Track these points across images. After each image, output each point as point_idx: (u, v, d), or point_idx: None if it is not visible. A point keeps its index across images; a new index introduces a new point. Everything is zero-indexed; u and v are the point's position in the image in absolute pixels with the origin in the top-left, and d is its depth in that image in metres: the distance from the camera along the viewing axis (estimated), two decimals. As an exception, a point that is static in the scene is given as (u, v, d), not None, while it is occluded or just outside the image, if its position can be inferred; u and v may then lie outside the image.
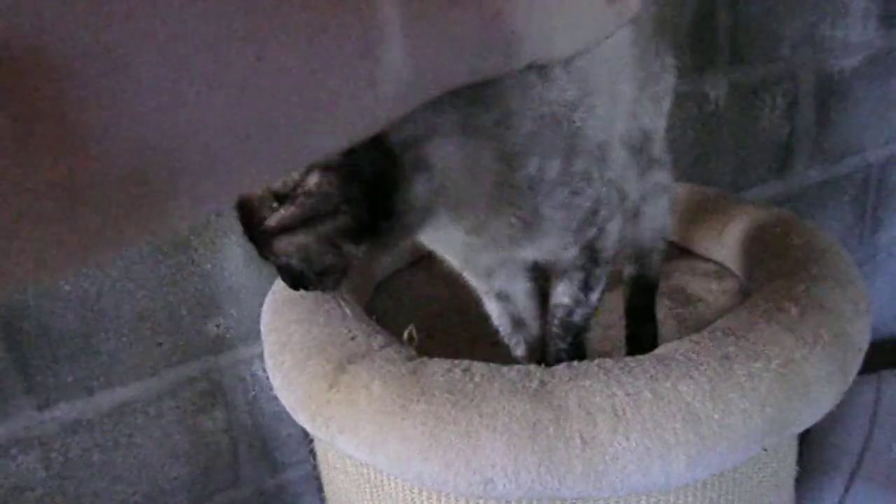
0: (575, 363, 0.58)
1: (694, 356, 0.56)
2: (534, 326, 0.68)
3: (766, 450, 0.55)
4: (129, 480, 1.14)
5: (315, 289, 0.50)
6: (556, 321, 0.63)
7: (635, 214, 0.71)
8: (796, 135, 1.55)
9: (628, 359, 0.57)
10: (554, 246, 0.56)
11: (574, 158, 0.51)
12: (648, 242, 0.74)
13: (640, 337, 0.75)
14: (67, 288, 1.01)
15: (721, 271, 0.87)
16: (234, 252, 1.10)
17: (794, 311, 0.60)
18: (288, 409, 0.67)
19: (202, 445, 1.19)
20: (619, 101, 0.58)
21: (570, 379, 0.55)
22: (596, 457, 0.53)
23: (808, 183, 1.61)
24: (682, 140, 1.40)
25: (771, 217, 0.81)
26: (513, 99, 0.46)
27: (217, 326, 1.13)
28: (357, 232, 0.45)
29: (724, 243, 0.85)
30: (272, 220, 0.45)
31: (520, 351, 0.69)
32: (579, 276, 0.60)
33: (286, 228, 0.45)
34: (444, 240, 0.57)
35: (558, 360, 0.63)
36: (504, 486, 0.54)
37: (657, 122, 0.68)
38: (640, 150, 0.67)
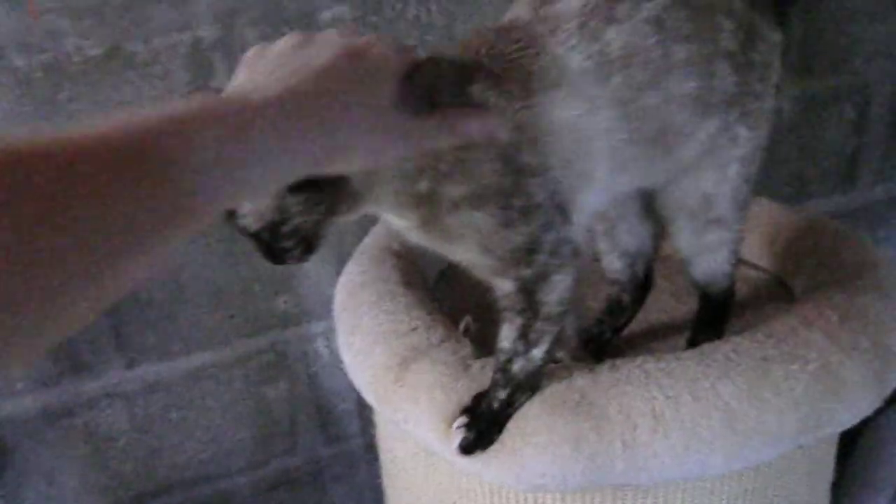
0: (618, 363, 0.62)
1: (734, 356, 0.61)
2: None
3: (802, 448, 0.59)
4: (199, 438, 1.24)
5: (284, 259, 0.55)
6: (498, 366, 0.62)
7: (688, 265, 0.74)
8: (864, 149, 1.53)
9: (670, 357, 0.62)
10: (472, 259, 0.58)
11: (515, 196, 0.55)
12: (705, 286, 0.75)
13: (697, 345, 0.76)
14: (156, 259, 1.10)
15: (770, 280, 0.89)
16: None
17: (834, 318, 0.63)
18: (356, 386, 0.73)
19: (265, 413, 1.28)
20: (589, 178, 0.59)
21: (612, 386, 0.60)
22: (636, 456, 0.58)
23: (873, 199, 1.59)
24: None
25: (823, 228, 0.83)
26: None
27: (285, 303, 1.21)
28: (298, 186, 0.50)
29: (775, 252, 0.88)
30: None
31: None
32: (518, 321, 0.59)
33: None
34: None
35: (485, 414, 0.61)
36: (553, 487, 0.60)
37: (721, 186, 0.68)
38: (695, 214, 0.69)
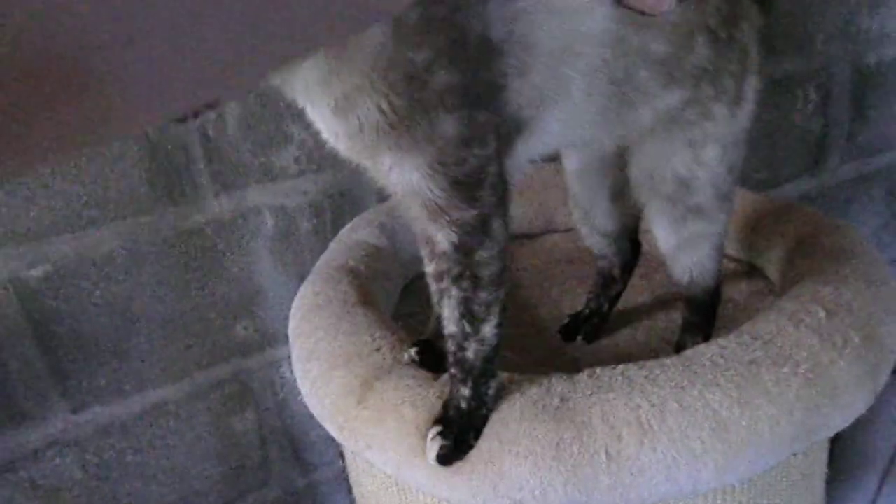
0: (598, 371, 0.57)
1: (721, 361, 0.56)
2: None
3: (796, 455, 0.55)
4: (163, 481, 1.17)
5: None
6: (450, 358, 0.57)
7: (670, 260, 0.69)
8: (830, 129, 1.52)
9: (653, 364, 0.57)
10: (415, 186, 0.50)
11: (476, 109, 0.49)
12: (688, 285, 0.71)
13: (685, 349, 0.72)
14: (98, 293, 1.03)
15: (751, 271, 0.86)
16: (261, 255, 1.12)
17: (821, 314, 0.59)
18: (316, 416, 0.68)
19: (233, 446, 1.21)
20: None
21: (593, 392, 0.55)
22: (622, 471, 0.53)
23: (842, 179, 1.58)
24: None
25: (800, 216, 0.80)
26: None
27: (245, 329, 1.15)
28: None
29: (753, 243, 0.84)
30: None
31: None
32: (458, 293, 0.54)
33: None
34: None
35: (455, 419, 0.56)
36: (533, 502, 0.55)
37: (697, 169, 0.64)
38: (673, 201, 0.65)
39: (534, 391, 0.57)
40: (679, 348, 0.72)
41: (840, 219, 0.78)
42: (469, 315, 0.54)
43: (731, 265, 0.88)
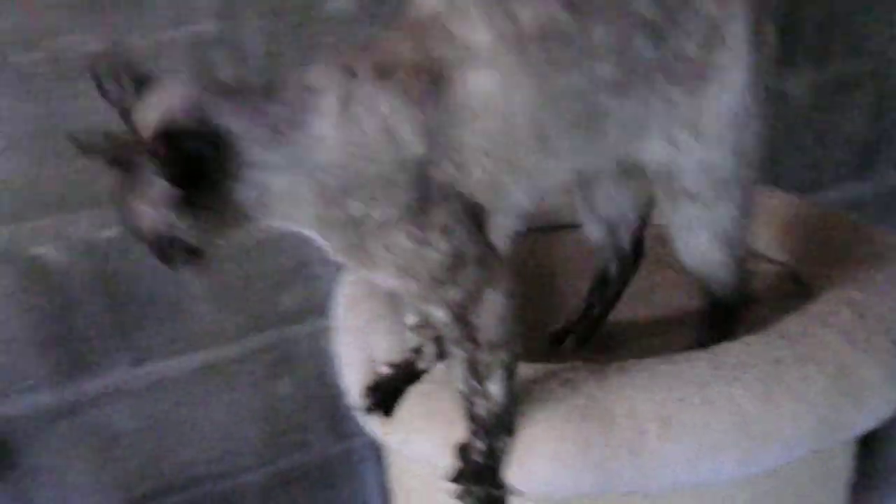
0: (625, 365, 0.60)
1: (746, 358, 0.58)
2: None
3: (818, 453, 0.57)
4: (207, 437, 1.24)
5: (174, 265, 0.58)
6: (463, 411, 0.59)
7: (672, 242, 0.69)
8: (882, 136, 1.49)
9: (679, 358, 0.59)
10: (395, 284, 0.56)
11: (429, 212, 0.53)
12: (699, 272, 0.70)
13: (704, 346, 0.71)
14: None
15: (788, 273, 0.87)
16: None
17: (849, 316, 0.61)
18: (353, 404, 0.72)
19: (274, 410, 1.27)
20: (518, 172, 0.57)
21: (618, 388, 0.58)
22: (646, 463, 0.56)
23: (891, 186, 1.56)
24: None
25: (839, 221, 0.81)
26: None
27: (291, 299, 1.21)
28: (176, 201, 0.52)
29: (789, 245, 0.85)
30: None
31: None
32: (460, 354, 0.57)
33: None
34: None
35: (476, 467, 0.59)
36: (560, 494, 0.59)
37: (674, 154, 0.63)
38: (663, 182, 0.65)
39: (561, 391, 0.60)
40: (698, 345, 0.71)
41: (888, 227, 0.78)
42: (474, 374, 0.57)
43: (769, 267, 0.89)
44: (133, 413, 1.18)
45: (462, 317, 0.55)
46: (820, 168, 1.48)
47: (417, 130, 0.53)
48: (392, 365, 0.71)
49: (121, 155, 0.55)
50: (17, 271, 1.04)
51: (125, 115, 0.57)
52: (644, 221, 0.78)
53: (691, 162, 0.63)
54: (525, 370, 0.61)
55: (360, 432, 1.32)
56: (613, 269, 0.79)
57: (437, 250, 0.53)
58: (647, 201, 0.76)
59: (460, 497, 0.58)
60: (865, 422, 0.59)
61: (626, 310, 0.82)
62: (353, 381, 0.73)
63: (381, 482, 1.25)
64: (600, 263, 0.80)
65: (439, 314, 0.55)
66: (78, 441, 1.16)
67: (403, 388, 0.68)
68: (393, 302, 0.76)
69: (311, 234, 0.58)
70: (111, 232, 1.05)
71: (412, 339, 0.70)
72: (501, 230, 0.58)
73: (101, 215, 1.04)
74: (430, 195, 0.53)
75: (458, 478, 0.58)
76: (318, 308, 1.21)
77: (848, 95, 1.43)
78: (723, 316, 0.72)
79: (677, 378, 0.57)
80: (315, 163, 0.52)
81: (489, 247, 0.56)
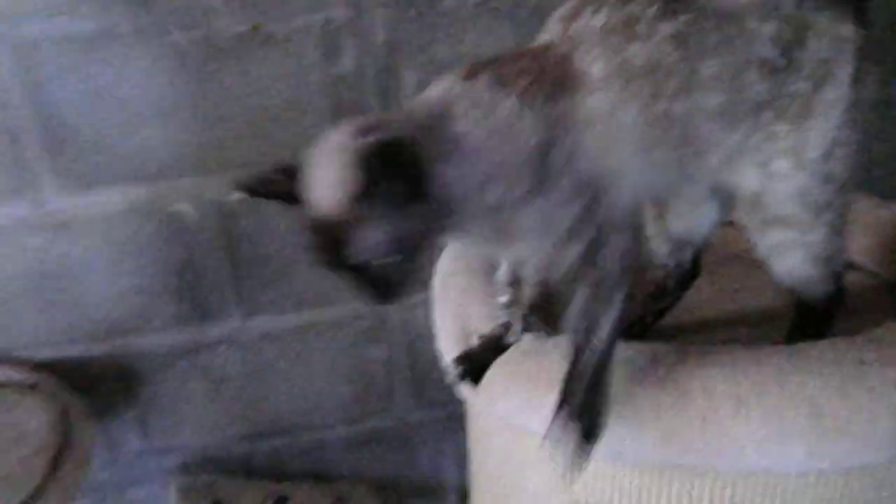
0: (706, 348, 0.64)
1: (829, 356, 0.61)
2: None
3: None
4: (302, 389, 1.35)
5: (388, 298, 0.60)
6: (571, 354, 0.64)
7: (765, 266, 0.73)
8: None
9: (760, 349, 0.63)
10: (549, 243, 0.62)
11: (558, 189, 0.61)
12: (789, 287, 0.74)
13: None
14: (277, 221, 1.20)
15: (885, 286, 0.87)
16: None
17: None
18: (445, 366, 0.80)
19: (363, 373, 1.37)
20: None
21: (697, 367, 0.62)
22: (715, 439, 0.60)
23: None
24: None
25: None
26: None
27: (390, 272, 1.29)
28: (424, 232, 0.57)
29: (886, 260, 0.86)
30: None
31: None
32: (584, 289, 0.63)
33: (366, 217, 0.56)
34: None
35: (576, 411, 0.63)
36: (630, 456, 0.64)
37: (766, 183, 0.68)
38: (750, 212, 0.71)
39: (641, 361, 0.65)
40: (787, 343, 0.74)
41: None
42: (591, 311, 0.63)
43: (866, 279, 0.89)
44: (241, 360, 1.31)
45: (589, 253, 0.62)
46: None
47: (538, 121, 0.60)
48: (482, 337, 0.77)
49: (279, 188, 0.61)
50: (157, 225, 1.17)
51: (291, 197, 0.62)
52: (708, 243, 0.84)
53: (788, 189, 0.68)
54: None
55: (440, 402, 1.40)
56: (671, 284, 0.85)
57: (571, 213, 0.61)
58: (718, 224, 0.81)
59: (562, 428, 0.62)
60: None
61: (716, 304, 0.87)
62: (447, 347, 0.80)
63: (456, 451, 1.33)
64: (659, 278, 0.85)
65: (568, 260, 0.62)
66: (192, 380, 1.30)
67: (492, 359, 0.75)
68: (486, 278, 0.83)
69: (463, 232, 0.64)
70: (236, 196, 1.17)
71: (502, 316, 0.76)
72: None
73: (230, 180, 1.16)
74: (551, 173, 0.61)
75: (562, 409, 0.63)
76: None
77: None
78: (814, 319, 0.75)
79: (756, 365, 0.61)
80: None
81: (609, 211, 0.63)
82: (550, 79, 0.62)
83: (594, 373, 0.63)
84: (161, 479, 1.36)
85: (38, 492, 1.00)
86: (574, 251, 0.62)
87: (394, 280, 0.59)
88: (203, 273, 1.22)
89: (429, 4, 1.11)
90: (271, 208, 1.17)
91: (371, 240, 0.57)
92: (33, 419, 1.10)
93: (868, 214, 0.90)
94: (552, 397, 0.64)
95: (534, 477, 0.76)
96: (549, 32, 0.68)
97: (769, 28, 0.65)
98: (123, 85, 1.08)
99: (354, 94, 1.14)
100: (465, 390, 0.78)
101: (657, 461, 0.62)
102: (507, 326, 0.76)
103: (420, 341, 1.35)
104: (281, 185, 0.62)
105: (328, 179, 0.59)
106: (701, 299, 0.87)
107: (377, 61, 1.13)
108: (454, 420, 1.41)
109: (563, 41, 0.65)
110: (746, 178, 0.69)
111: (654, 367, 0.64)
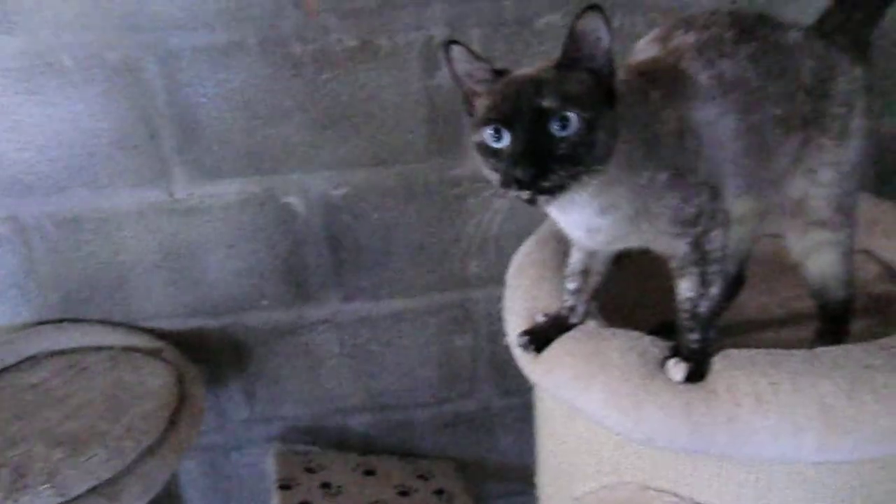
0: (731, 352, 0.77)
1: (841, 361, 0.73)
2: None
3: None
4: (393, 371, 1.53)
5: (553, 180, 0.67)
6: (685, 315, 0.81)
7: (802, 267, 0.90)
8: None
9: (779, 353, 0.75)
10: (662, 231, 0.77)
11: (685, 182, 0.75)
12: (821, 290, 0.90)
13: None
14: (376, 216, 1.38)
15: (886, 273, 0.99)
16: (501, 211, 1.37)
17: None
18: (510, 342, 0.93)
19: (450, 358, 1.54)
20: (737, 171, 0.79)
21: (723, 369, 0.76)
22: (738, 431, 0.73)
23: None
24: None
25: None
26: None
27: (477, 266, 1.45)
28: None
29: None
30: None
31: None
32: (696, 271, 0.79)
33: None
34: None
35: (692, 353, 0.79)
36: (662, 442, 0.77)
37: (812, 190, 0.86)
38: (794, 216, 0.88)
39: (672, 361, 0.79)
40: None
41: None
42: (703, 284, 0.80)
43: (875, 268, 1.01)
44: (338, 341, 1.50)
45: (698, 245, 0.79)
46: None
47: (673, 116, 0.76)
48: (547, 315, 0.92)
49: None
50: (270, 214, 1.38)
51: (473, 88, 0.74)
52: (750, 254, 1.00)
53: (830, 195, 0.87)
54: (653, 352, 0.80)
55: (520, 390, 1.52)
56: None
57: (693, 205, 0.77)
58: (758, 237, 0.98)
59: (684, 361, 0.78)
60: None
61: (747, 309, 1.00)
62: (513, 325, 0.95)
63: (533, 437, 1.45)
64: None
65: (682, 247, 0.79)
66: (295, 356, 1.51)
67: (554, 336, 0.90)
68: (557, 270, 0.95)
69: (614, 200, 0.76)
70: (341, 191, 1.35)
71: (569, 300, 0.91)
72: (728, 198, 0.82)
73: (335, 177, 1.33)
74: (687, 164, 0.76)
75: (681, 356, 0.79)
76: (498, 277, 1.43)
77: None
78: (836, 326, 0.90)
79: (774, 367, 0.74)
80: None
81: (718, 203, 0.79)
82: (670, 82, 0.78)
83: (703, 332, 0.80)
84: (262, 446, 1.57)
85: (158, 443, 1.18)
86: (688, 239, 0.78)
87: (556, 177, 0.67)
88: (307, 260, 1.42)
89: (521, 24, 1.25)
90: (370, 203, 1.35)
91: (567, 93, 0.67)
92: (157, 380, 1.29)
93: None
94: (601, 378, 0.80)
95: (585, 456, 0.88)
96: (644, 53, 0.83)
97: (810, 63, 0.83)
98: (248, 90, 1.28)
99: (448, 103, 1.30)
100: (526, 361, 0.90)
101: (685, 448, 0.75)
102: (571, 308, 0.91)
103: (503, 331, 1.48)
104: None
105: (529, 69, 0.72)
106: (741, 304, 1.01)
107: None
108: (532, 407, 1.54)
109: (669, 53, 0.81)
110: (796, 186, 0.87)
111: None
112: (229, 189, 1.35)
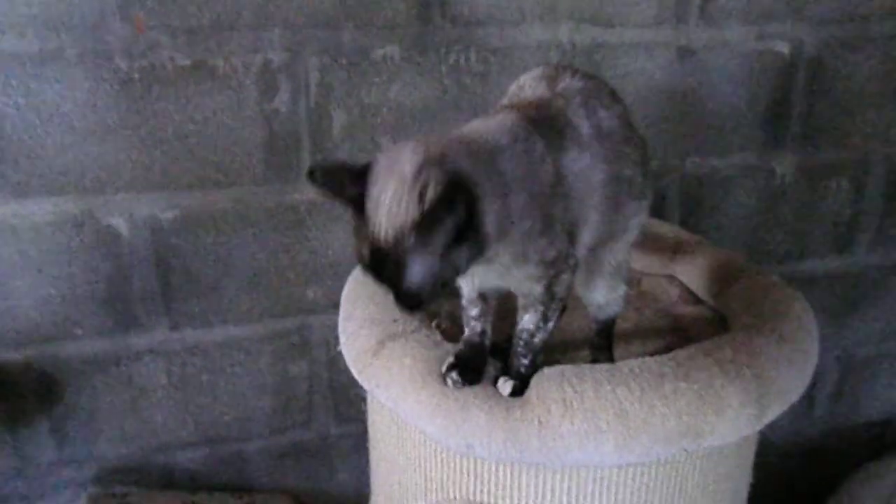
0: (544, 370, 0.87)
1: (638, 371, 0.85)
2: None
3: (686, 451, 0.80)
4: (225, 402, 1.50)
5: (426, 305, 0.71)
6: (521, 343, 0.89)
7: (598, 309, 1.01)
8: (861, 217, 1.70)
9: (586, 367, 0.86)
10: (528, 274, 0.83)
11: (554, 228, 0.81)
12: (602, 311, 1.02)
13: (598, 362, 1.01)
14: (209, 240, 1.37)
15: (709, 313, 1.12)
16: (339, 236, 1.41)
17: (728, 353, 0.88)
18: (346, 362, 0.96)
19: (285, 387, 1.54)
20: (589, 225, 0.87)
21: (536, 382, 0.86)
22: (548, 436, 0.81)
23: (870, 264, 1.75)
24: (744, 208, 1.63)
25: (762, 280, 1.07)
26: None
27: (314, 293, 1.46)
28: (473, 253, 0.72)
29: (723, 298, 1.10)
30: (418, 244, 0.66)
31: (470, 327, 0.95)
32: (541, 308, 0.87)
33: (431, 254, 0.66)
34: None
35: (519, 374, 0.88)
36: (480, 450, 0.83)
37: (624, 251, 0.97)
38: (614, 275, 0.97)
39: (502, 380, 0.88)
40: (593, 361, 1.00)
41: (861, 299, 0.98)
42: (543, 319, 0.87)
43: (700, 309, 1.13)
44: (166, 371, 1.45)
45: (549, 287, 0.85)
46: (803, 240, 1.69)
47: (552, 166, 0.81)
48: (466, 342, 0.94)
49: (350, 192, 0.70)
50: (89, 237, 1.32)
51: (355, 203, 0.71)
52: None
53: (627, 249, 0.98)
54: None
55: (360, 418, 1.54)
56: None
57: (555, 249, 0.82)
58: None
59: (513, 381, 0.86)
60: (724, 434, 0.84)
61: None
62: (349, 347, 0.99)
63: (369, 465, 1.48)
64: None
65: (538, 288, 0.85)
66: (114, 390, 1.44)
67: (481, 365, 0.92)
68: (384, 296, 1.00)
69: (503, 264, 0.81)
70: (171, 213, 1.31)
71: (476, 325, 0.94)
72: (580, 247, 0.88)
73: (164, 199, 1.30)
74: (556, 210, 0.82)
75: (511, 377, 0.87)
76: (335, 302, 1.45)
77: (831, 180, 1.65)
78: (608, 338, 1.03)
79: (580, 378, 0.84)
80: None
81: (572, 249, 0.85)
82: (557, 131, 0.83)
83: (533, 358, 0.89)
84: (73, 491, 1.47)
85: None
86: (544, 281, 0.84)
87: (425, 297, 0.70)
88: (131, 285, 1.37)
89: (359, 54, 1.30)
90: (202, 227, 1.33)
91: (423, 270, 0.67)
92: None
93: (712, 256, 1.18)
94: (431, 385, 0.87)
95: (413, 475, 0.92)
96: (531, 90, 0.89)
97: (638, 143, 0.95)
98: (64, 103, 1.22)
99: (287, 127, 1.32)
100: (357, 369, 0.96)
101: (502, 455, 0.83)
102: (482, 333, 0.95)
103: (340, 359, 1.49)
104: (348, 188, 0.70)
105: (393, 205, 0.68)
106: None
107: (309, 101, 1.31)
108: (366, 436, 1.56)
109: (556, 97, 0.86)
110: (617, 251, 0.97)
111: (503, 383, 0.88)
112: (40, 208, 1.27)
